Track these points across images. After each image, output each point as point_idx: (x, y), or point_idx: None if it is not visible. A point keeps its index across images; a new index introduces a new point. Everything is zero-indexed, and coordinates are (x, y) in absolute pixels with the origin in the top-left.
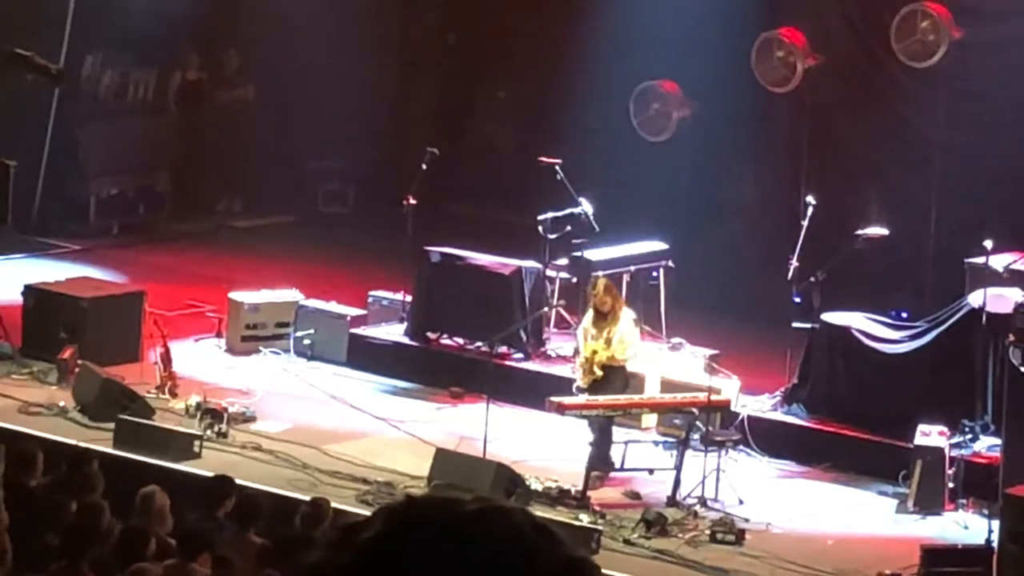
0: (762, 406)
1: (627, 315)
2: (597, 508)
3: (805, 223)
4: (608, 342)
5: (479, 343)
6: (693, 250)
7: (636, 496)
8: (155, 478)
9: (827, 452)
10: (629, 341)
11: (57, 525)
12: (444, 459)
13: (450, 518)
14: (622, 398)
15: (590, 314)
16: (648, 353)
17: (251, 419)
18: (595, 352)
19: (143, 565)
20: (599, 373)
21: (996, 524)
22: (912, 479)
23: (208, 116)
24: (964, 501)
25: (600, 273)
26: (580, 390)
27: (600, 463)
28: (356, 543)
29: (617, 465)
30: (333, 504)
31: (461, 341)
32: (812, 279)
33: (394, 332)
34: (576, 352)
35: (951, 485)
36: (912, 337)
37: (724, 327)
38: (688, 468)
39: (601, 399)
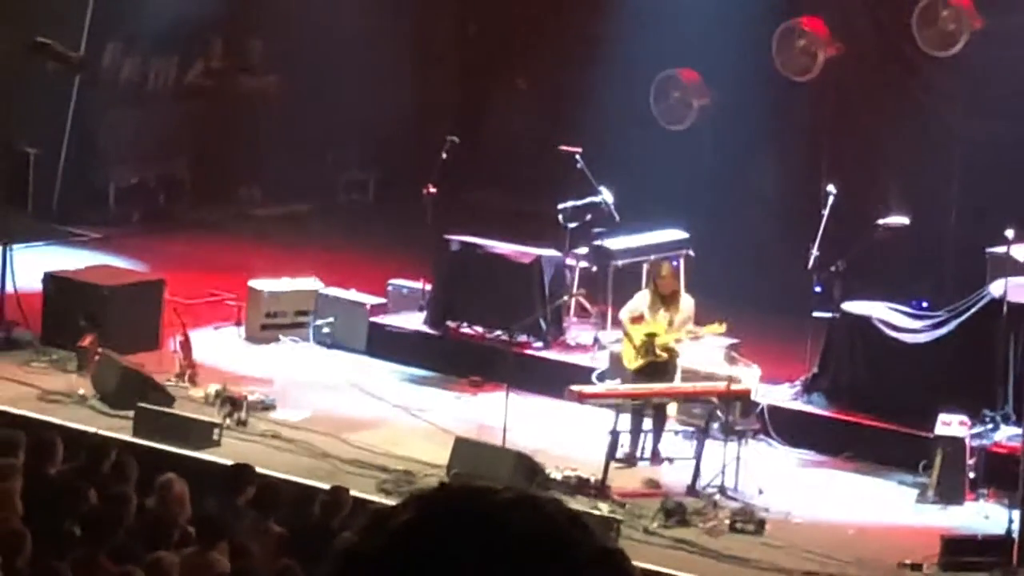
0: (782, 395)
1: (688, 299)
2: (616, 497)
3: (826, 212)
4: (671, 323)
5: (499, 332)
6: (713, 239)
7: (656, 485)
8: (175, 466)
9: (847, 442)
10: (689, 325)
11: (77, 513)
12: (464, 448)
13: (484, 506)
14: (643, 387)
15: (645, 297)
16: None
17: (270, 407)
18: (654, 335)
19: (162, 554)
20: (663, 355)
21: (1017, 514)
22: (933, 469)
23: (229, 105)
24: (985, 491)
25: (653, 257)
26: (635, 374)
27: (629, 454)
28: (389, 528)
29: (638, 454)
30: (353, 493)
31: (481, 330)
32: (833, 268)
33: (414, 321)
34: (624, 335)
35: (972, 475)
36: (933, 327)
37: (744, 316)
38: (708, 457)
39: (622, 388)
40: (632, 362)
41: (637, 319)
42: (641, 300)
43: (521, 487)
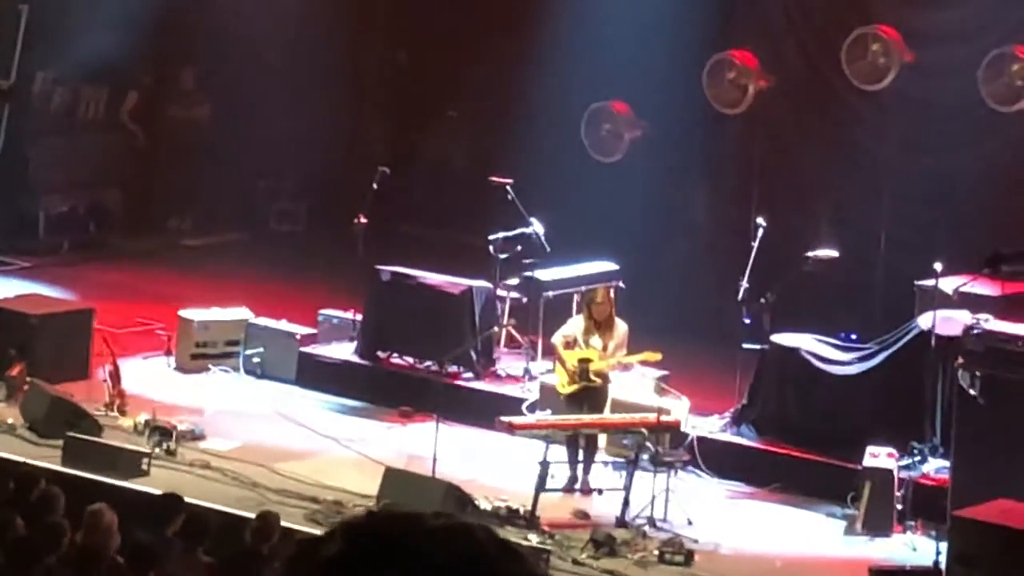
0: (711, 427)
1: (622, 325)
2: (546, 528)
3: (756, 244)
4: (605, 348)
5: (429, 362)
6: (644, 270)
7: (585, 516)
8: (103, 495)
9: (776, 473)
10: (621, 352)
11: (4, 543)
12: (394, 478)
13: (412, 534)
14: (572, 418)
15: (578, 323)
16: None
17: (200, 437)
18: (588, 360)
19: None
20: (597, 381)
21: (944, 546)
22: (861, 500)
23: (160, 134)
24: (913, 523)
25: (594, 286)
26: (568, 399)
27: (573, 480)
28: (317, 560)
29: (565, 485)
30: (282, 523)
31: (411, 360)
32: (762, 300)
33: (344, 351)
34: (556, 360)
35: (900, 507)
36: (861, 359)
37: (674, 347)
38: (637, 488)
39: (553, 419)
40: (565, 387)
41: (570, 344)
42: (574, 326)
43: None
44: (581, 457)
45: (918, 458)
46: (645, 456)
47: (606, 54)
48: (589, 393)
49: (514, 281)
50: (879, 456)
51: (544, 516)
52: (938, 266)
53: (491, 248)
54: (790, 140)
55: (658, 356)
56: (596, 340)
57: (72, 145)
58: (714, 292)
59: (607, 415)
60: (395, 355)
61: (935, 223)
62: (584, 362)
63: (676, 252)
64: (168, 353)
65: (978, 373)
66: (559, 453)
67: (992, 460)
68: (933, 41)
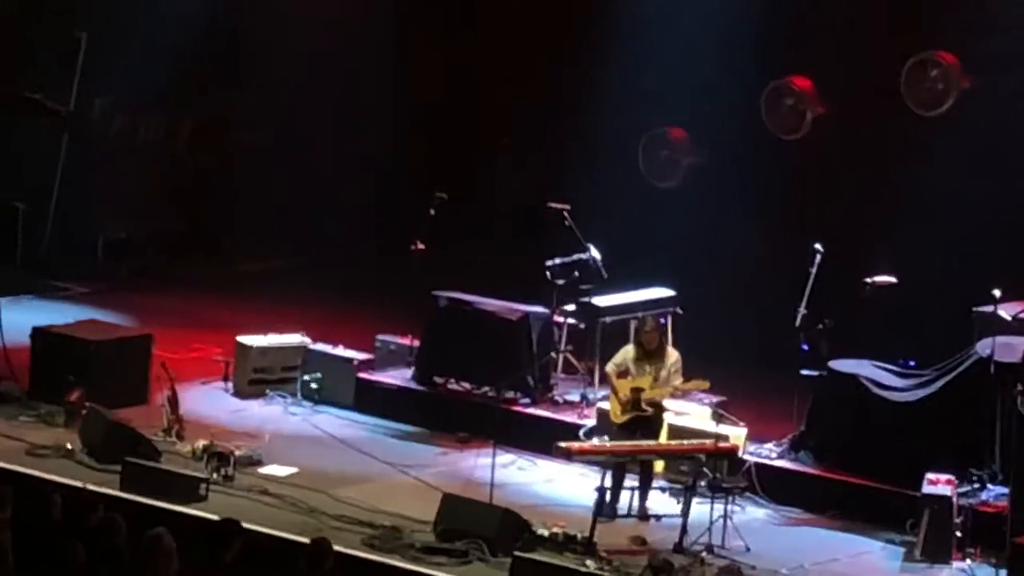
0: (769, 453)
1: (674, 354)
2: (603, 555)
3: (813, 270)
4: (656, 378)
5: (486, 388)
6: (701, 296)
7: (643, 542)
8: (161, 521)
9: (834, 500)
10: (676, 378)
11: (67, 568)
12: (451, 504)
13: None
14: (629, 444)
15: (630, 351)
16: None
17: (258, 463)
18: (641, 389)
19: None
20: (649, 410)
21: (1004, 574)
22: (920, 528)
23: (218, 160)
24: (972, 550)
25: (640, 314)
26: (620, 429)
27: (609, 509)
28: None
29: (624, 511)
30: (339, 548)
31: (468, 386)
32: (820, 326)
33: (401, 376)
34: (610, 389)
35: (959, 534)
36: (920, 386)
37: (732, 374)
38: (695, 515)
39: (609, 444)
40: (618, 416)
41: (623, 373)
42: (626, 355)
43: (507, 542)
44: (637, 483)
45: (977, 485)
46: (703, 482)
47: (664, 80)
48: (641, 422)
49: (571, 307)
50: (938, 483)
51: (601, 542)
52: (997, 292)
53: (548, 274)
54: (848, 166)
55: (707, 384)
56: (648, 369)
57: (130, 171)
58: (772, 318)
59: (664, 441)
60: (452, 381)
61: (993, 249)
62: (636, 391)
63: (733, 278)
64: (226, 379)
65: None
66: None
67: None
68: (991, 66)
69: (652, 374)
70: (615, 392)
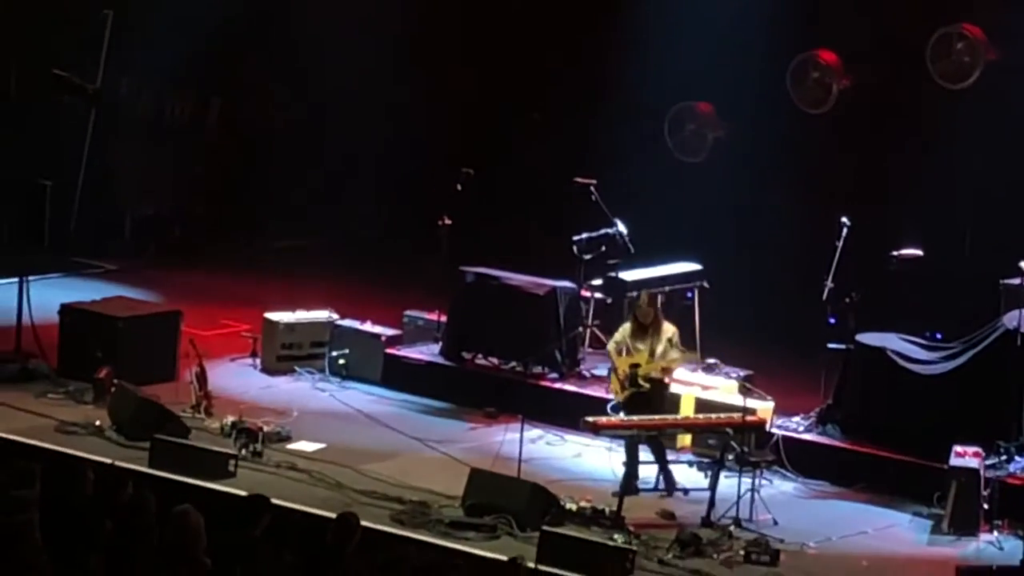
0: (797, 427)
1: (669, 327)
2: (631, 528)
3: (840, 244)
4: (652, 354)
5: (514, 363)
6: (728, 270)
7: (671, 516)
8: (190, 497)
9: (862, 473)
10: (673, 352)
11: (96, 545)
12: (479, 479)
13: None
14: (656, 418)
15: (627, 328)
16: (682, 373)
17: (286, 439)
18: (637, 365)
19: None
20: (646, 386)
21: None
22: (947, 500)
23: (244, 138)
24: (999, 522)
25: (635, 293)
26: (618, 407)
27: (632, 483)
28: None
29: (651, 485)
30: (367, 524)
31: (496, 361)
32: (847, 300)
33: (429, 352)
34: (612, 370)
35: (986, 506)
36: (947, 358)
37: (759, 348)
38: (723, 488)
39: (636, 419)
40: (619, 394)
41: (625, 350)
42: (624, 331)
43: (535, 517)
44: (653, 459)
45: (1004, 457)
46: (730, 456)
47: (690, 55)
48: (640, 399)
49: (598, 282)
50: (965, 455)
51: (629, 516)
52: (1023, 264)
53: (575, 249)
54: (874, 139)
55: (695, 355)
56: (643, 344)
57: (158, 149)
58: (798, 292)
59: (692, 415)
60: (479, 356)
61: (1020, 221)
62: (634, 367)
63: (760, 251)
64: (254, 355)
65: None
66: (645, 454)
67: None
68: (1017, 39)
69: (648, 349)
70: (615, 370)
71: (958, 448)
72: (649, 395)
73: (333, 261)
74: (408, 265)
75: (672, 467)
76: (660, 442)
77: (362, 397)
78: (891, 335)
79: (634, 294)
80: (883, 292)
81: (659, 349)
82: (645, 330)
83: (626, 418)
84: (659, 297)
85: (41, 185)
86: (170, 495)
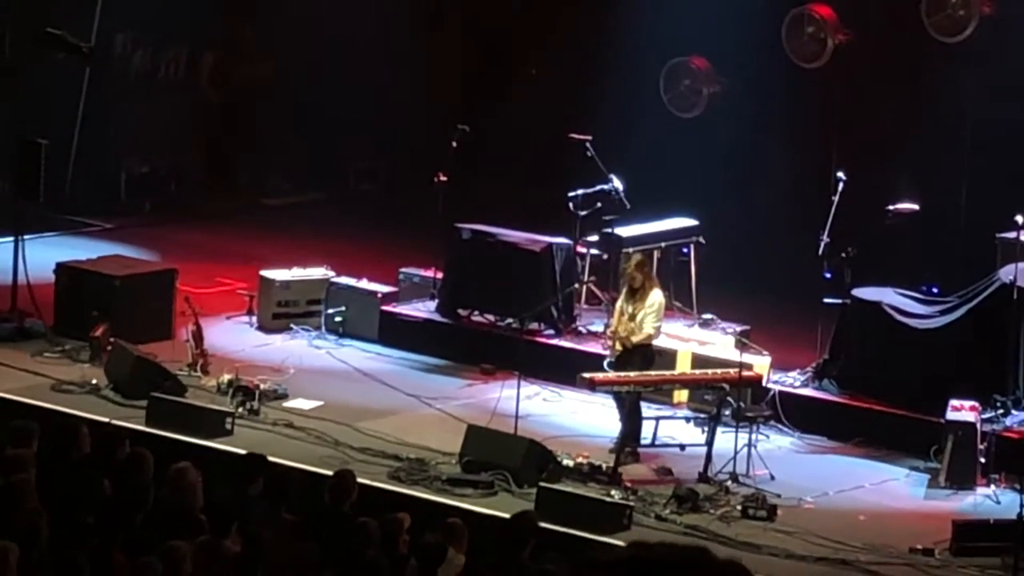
0: (793, 382)
1: (655, 296)
2: (628, 484)
3: (836, 199)
4: (632, 318)
5: (510, 320)
6: (724, 226)
7: (667, 472)
8: (187, 455)
9: (858, 427)
10: (647, 322)
11: (93, 503)
12: (476, 435)
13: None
14: (653, 373)
15: (625, 290)
16: (679, 329)
17: (283, 396)
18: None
19: (176, 542)
20: (618, 348)
21: None
22: (944, 454)
23: (240, 94)
24: (996, 476)
25: (631, 250)
26: (610, 365)
27: (631, 439)
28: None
29: (648, 441)
30: (365, 481)
31: (492, 318)
32: (843, 255)
33: (425, 309)
34: (606, 326)
35: (983, 460)
36: (943, 312)
37: (755, 303)
38: (719, 444)
39: (633, 375)
40: (611, 354)
41: (618, 312)
42: (623, 293)
43: (532, 473)
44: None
45: (1001, 411)
46: (727, 412)
47: (685, 9)
48: (621, 363)
49: (594, 238)
50: (962, 409)
51: (626, 472)
52: (1020, 218)
53: (571, 205)
54: (870, 94)
55: (647, 335)
56: (629, 307)
57: (152, 106)
58: (795, 247)
59: (688, 370)
60: (476, 313)
61: (1016, 175)
62: (615, 332)
63: (756, 207)
64: (250, 313)
65: None
66: (644, 410)
67: None
68: None
69: (631, 313)
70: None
71: (954, 402)
72: (627, 357)
73: (329, 218)
74: (404, 222)
75: (669, 423)
76: (636, 402)
77: (358, 354)
78: (887, 289)
79: (629, 250)
80: (879, 247)
81: (640, 314)
82: (634, 293)
83: (621, 374)
84: (649, 260)
85: (36, 143)
86: (167, 453)
